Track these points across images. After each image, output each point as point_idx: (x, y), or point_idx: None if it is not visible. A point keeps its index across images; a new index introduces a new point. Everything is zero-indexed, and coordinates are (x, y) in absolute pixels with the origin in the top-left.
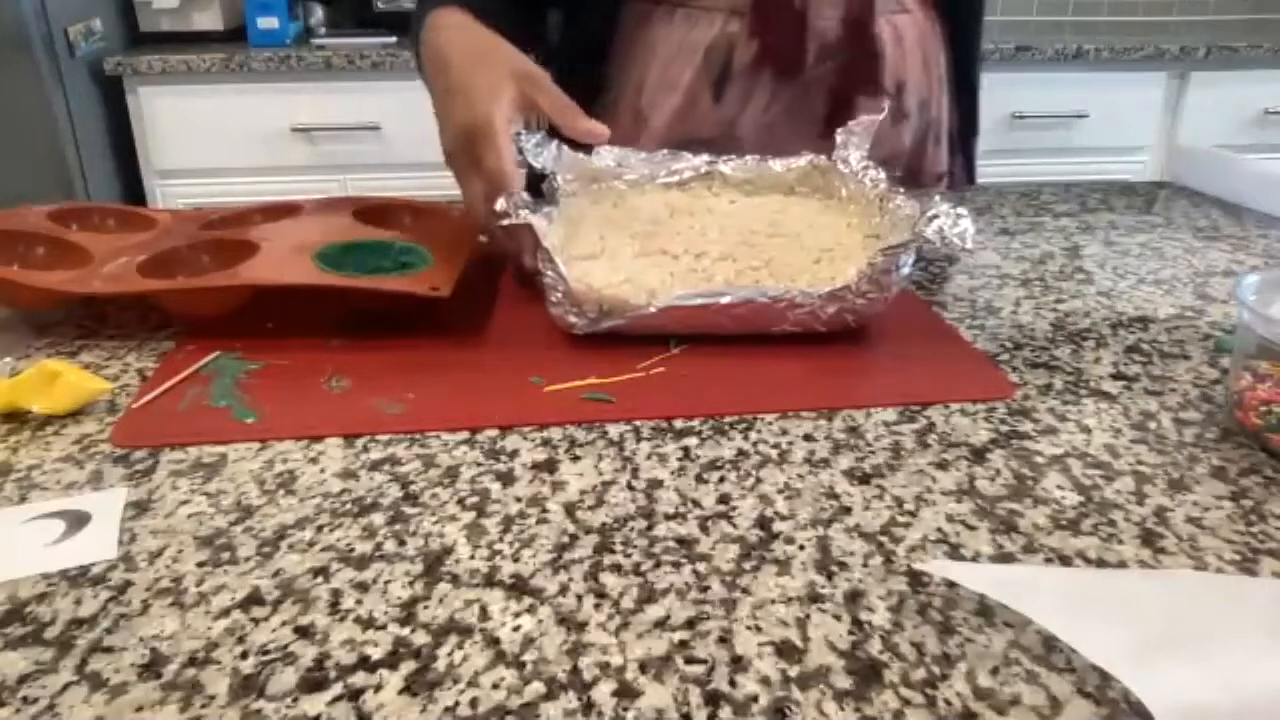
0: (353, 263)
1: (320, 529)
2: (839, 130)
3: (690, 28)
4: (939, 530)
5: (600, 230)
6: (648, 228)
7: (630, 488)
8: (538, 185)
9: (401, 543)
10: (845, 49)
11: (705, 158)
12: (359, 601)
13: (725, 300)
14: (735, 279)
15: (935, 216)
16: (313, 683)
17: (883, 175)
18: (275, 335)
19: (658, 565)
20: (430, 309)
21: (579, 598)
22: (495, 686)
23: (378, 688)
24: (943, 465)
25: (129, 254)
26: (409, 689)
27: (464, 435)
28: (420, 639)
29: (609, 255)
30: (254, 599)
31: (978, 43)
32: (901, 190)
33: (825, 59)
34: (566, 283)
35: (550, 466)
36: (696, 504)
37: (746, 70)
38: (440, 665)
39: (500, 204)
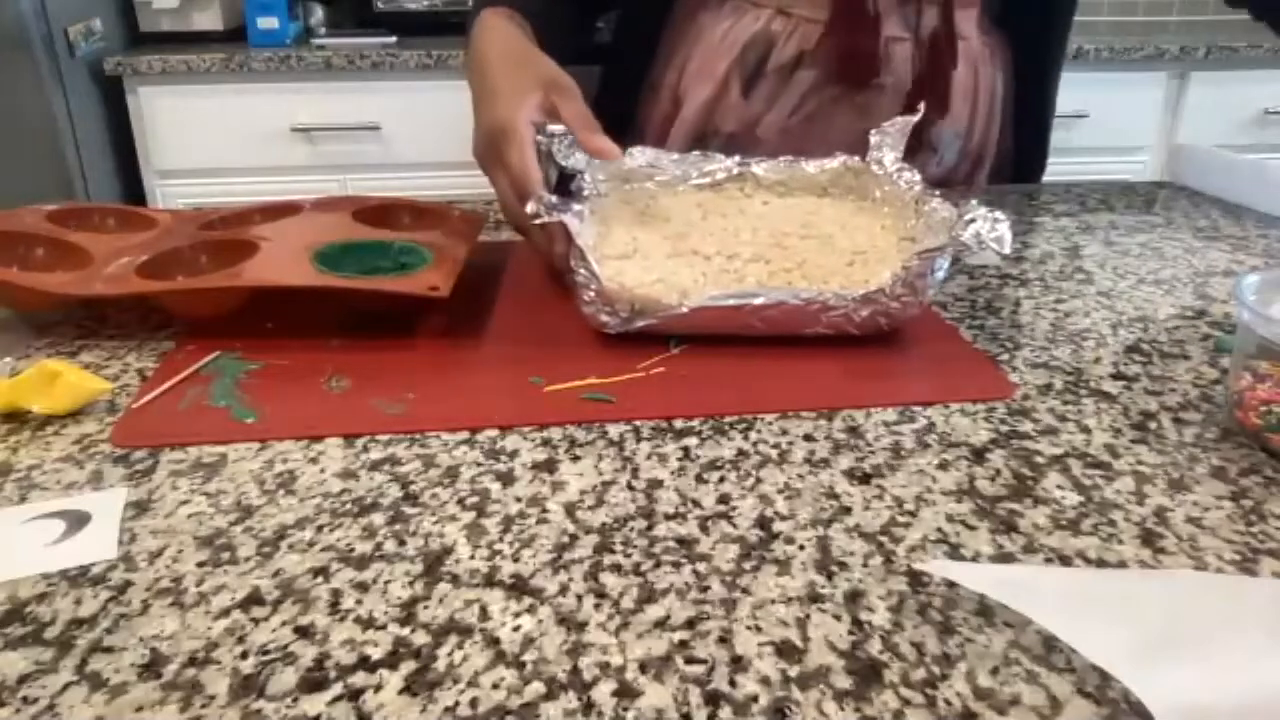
0: (352, 263)
1: (320, 529)
2: (873, 131)
3: (736, 19)
4: (939, 530)
5: (632, 230)
6: (680, 228)
7: (630, 488)
8: (569, 185)
9: (401, 543)
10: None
11: (737, 159)
12: (359, 601)
13: (758, 301)
14: (768, 280)
15: (973, 220)
16: (313, 683)
17: (917, 177)
18: (275, 335)
19: (658, 565)
20: (430, 309)
21: (579, 598)
22: (495, 686)
23: (378, 688)
24: (943, 465)
25: (129, 254)
26: (409, 689)
27: (464, 435)
28: (420, 639)
29: (641, 255)
30: (254, 599)
31: (1050, 72)
32: (937, 192)
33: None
34: (599, 282)
35: (550, 466)
36: (696, 504)
37: (779, 71)
38: (440, 665)
39: (531, 205)
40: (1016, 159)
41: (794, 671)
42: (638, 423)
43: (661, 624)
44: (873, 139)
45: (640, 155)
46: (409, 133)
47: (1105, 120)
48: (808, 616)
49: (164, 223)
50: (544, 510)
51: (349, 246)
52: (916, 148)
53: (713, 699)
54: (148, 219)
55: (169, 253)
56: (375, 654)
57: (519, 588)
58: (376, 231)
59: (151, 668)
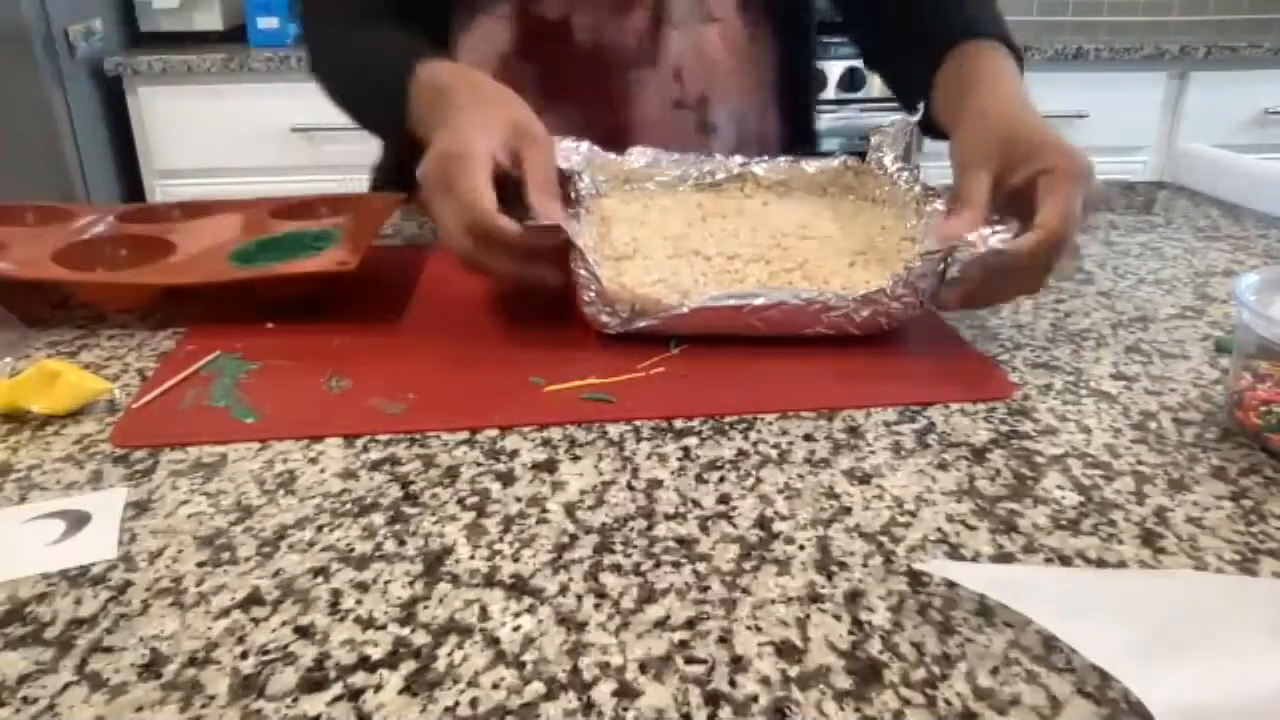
0: (268, 257)
1: (320, 529)
2: (872, 132)
3: (482, 36)
4: (939, 530)
5: (632, 231)
6: (680, 228)
7: (630, 488)
8: (567, 187)
9: (401, 543)
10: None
11: (738, 159)
12: (359, 601)
13: (758, 302)
14: (769, 281)
15: None
16: (313, 683)
17: (918, 177)
18: (275, 335)
19: (658, 565)
20: (353, 291)
21: (579, 598)
22: (495, 686)
23: (378, 688)
24: (943, 465)
25: (45, 242)
26: (409, 689)
27: (464, 435)
28: (420, 639)
29: (642, 255)
30: (254, 599)
31: (805, 55)
32: (938, 193)
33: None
34: (600, 282)
35: (550, 466)
36: (696, 504)
37: (539, 94)
38: (440, 665)
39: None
40: (788, 142)
41: (794, 671)
42: (638, 423)
43: (661, 624)
44: (873, 140)
45: (640, 156)
46: None
47: (1105, 120)
48: (808, 616)
49: (82, 215)
50: (544, 510)
51: (264, 243)
52: (701, 127)
53: (713, 699)
54: (66, 212)
55: (87, 243)
56: (375, 654)
57: (519, 588)
58: (290, 225)
59: (151, 668)
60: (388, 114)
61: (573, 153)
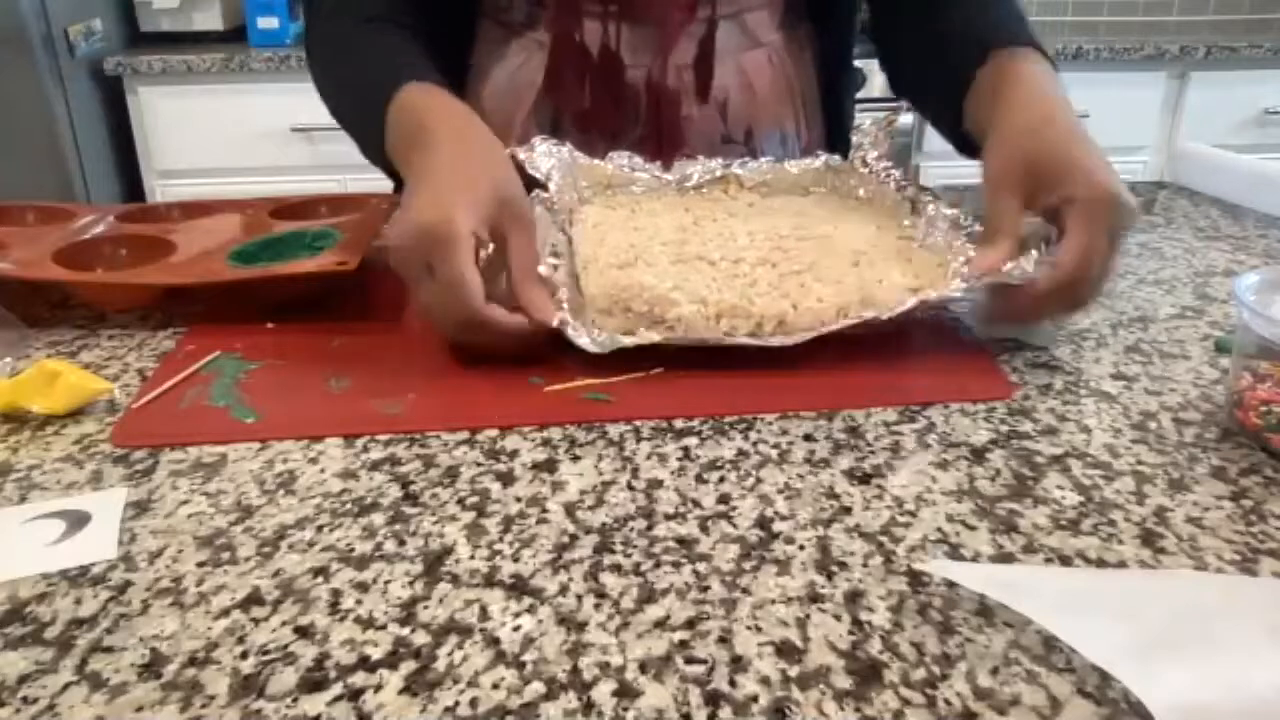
0: (269, 257)
1: (320, 529)
2: (854, 132)
3: (522, 60)
4: (939, 530)
5: (628, 238)
6: (674, 234)
7: (630, 488)
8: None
9: (401, 543)
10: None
11: (719, 160)
12: (359, 601)
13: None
14: (779, 283)
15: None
16: (313, 683)
17: (909, 176)
18: (275, 335)
19: (658, 565)
20: (353, 291)
21: (579, 598)
22: (495, 686)
23: (378, 688)
24: (943, 465)
25: (45, 242)
26: (409, 689)
27: (464, 435)
28: (420, 639)
29: (644, 262)
30: (254, 599)
31: (846, 54)
32: (937, 194)
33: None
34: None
35: (550, 466)
36: (696, 504)
37: (574, 132)
38: (440, 665)
39: (544, 268)
40: (829, 145)
41: (794, 671)
42: (638, 423)
43: (661, 624)
44: (854, 139)
45: (619, 159)
46: None
47: (1105, 120)
48: (808, 616)
49: (83, 216)
50: (544, 510)
51: (264, 243)
52: (746, 155)
53: (713, 699)
54: (68, 213)
55: (87, 243)
56: (375, 654)
57: (519, 588)
58: (291, 225)
59: (151, 668)
60: (366, 139)
61: (550, 155)
